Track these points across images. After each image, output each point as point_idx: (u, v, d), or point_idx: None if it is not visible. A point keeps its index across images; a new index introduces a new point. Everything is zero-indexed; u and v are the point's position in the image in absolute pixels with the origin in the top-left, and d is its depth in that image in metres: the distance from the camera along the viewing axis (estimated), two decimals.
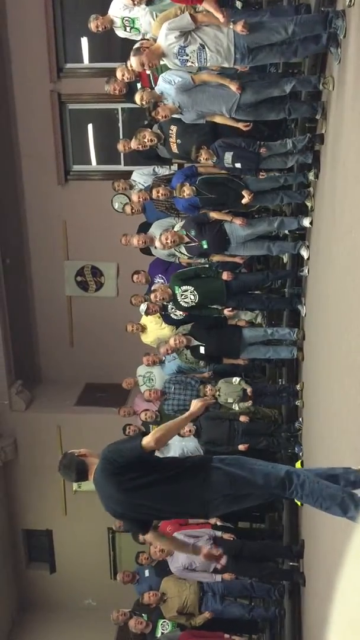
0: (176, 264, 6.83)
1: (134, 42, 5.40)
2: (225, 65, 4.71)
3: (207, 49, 4.56)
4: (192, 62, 4.64)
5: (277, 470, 3.15)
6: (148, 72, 5.98)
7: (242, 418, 6.34)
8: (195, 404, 3.27)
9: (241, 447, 6.23)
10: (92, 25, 5.68)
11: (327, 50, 4.61)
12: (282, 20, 4.53)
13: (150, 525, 3.41)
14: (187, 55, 4.58)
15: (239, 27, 4.44)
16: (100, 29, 5.69)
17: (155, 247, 6.67)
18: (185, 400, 6.72)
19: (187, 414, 3.27)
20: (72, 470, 3.33)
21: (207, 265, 6.50)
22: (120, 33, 5.76)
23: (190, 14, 4.53)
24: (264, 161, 5.54)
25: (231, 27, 4.49)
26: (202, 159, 5.54)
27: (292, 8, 4.86)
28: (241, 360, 6.58)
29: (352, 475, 3.09)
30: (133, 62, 4.74)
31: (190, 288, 6.25)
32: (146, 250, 7.11)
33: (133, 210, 6.67)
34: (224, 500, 3.18)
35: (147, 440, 3.12)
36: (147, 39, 5.27)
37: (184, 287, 6.25)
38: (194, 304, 6.29)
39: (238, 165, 5.51)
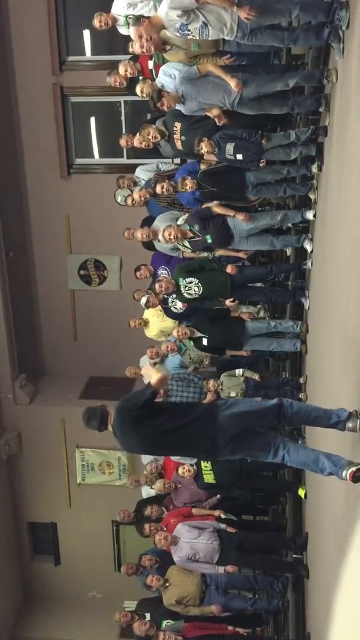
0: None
1: None
2: (227, 38, 4.63)
3: (209, 27, 4.49)
4: (193, 36, 4.57)
5: (269, 402, 3.76)
6: (151, 66, 5.96)
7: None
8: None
9: None
10: (96, 22, 5.67)
11: (327, 44, 4.58)
12: (287, 3, 4.47)
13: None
14: (189, 30, 4.50)
15: (243, 14, 4.37)
16: (103, 26, 5.68)
17: (159, 241, 6.66)
18: (188, 396, 6.72)
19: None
20: (98, 415, 3.86)
21: (211, 258, 6.50)
22: (124, 31, 5.73)
23: None
24: (266, 153, 5.52)
25: (235, 9, 4.43)
26: (203, 150, 5.51)
27: None
28: (244, 352, 6.58)
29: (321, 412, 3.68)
30: (131, 32, 4.62)
31: (195, 280, 6.25)
32: (149, 246, 7.10)
33: (134, 203, 6.66)
34: (232, 442, 3.62)
35: (155, 383, 3.75)
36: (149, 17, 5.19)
37: (188, 279, 6.25)
38: (197, 295, 6.30)
39: (239, 156, 5.49)
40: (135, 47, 4.68)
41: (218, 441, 3.61)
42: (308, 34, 4.59)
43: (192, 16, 4.45)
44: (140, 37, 4.54)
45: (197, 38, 4.58)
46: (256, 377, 6.49)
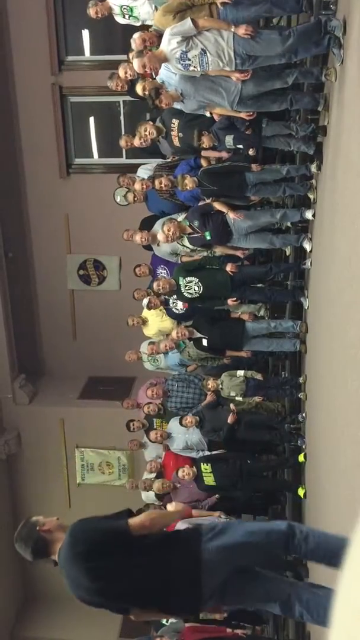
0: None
1: (135, 31, 5.39)
2: (227, 69, 4.71)
3: (208, 54, 4.59)
4: (194, 67, 4.65)
5: (277, 525, 2.80)
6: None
7: (230, 419, 6.27)
8: (178, 510, 3.01)
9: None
10: (92, 11, 5.69)
11: (328, 51, 4.60)
12: (283, 33, 4.56)
13: (130, 609, 2.86)
14: (190, 60, 4.61)
15: (241, 31, 4.45)
16: (99, 15, 5.70)
17: (158, 245, 6.66)
18: (188, 397, 6.72)
19: (178, 514, 3.02)
20: (29, 546, 2.85)
21: (211, 256, 6.50)
22: (120, 20, 5.77)
23: (192, 19, 4.53)
24: (267, 141, 5.53)
25: (233, 29, 4.49)
26: (204, 145, 5.52)
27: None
28: (244, 353, 6.58)
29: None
30: (135, 64, 4.75)
31: (195, 279, 6.25)
32: (149, 246, 7.10)
33: (135, 198, 6.67)
34: (219, 591, 2.74)
35: (136, 522, 2.68)
36: (149, 26, 5.23)
37: (188, 278, 6.25)
38: (197, 295, 6.29)
39: (240, 146, 5.51)
40: (138, 70, 4.78)
41: (203, 590, 2.68)
42: (307, 45, 4.62)
43: (191, 43, 4.56)
44: (144, 67, 4.65)
45: (198, 68, 4.63)
46: (258, 376, 6.48)
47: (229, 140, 5.49)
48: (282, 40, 4.50)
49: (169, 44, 4.57)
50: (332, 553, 2.61)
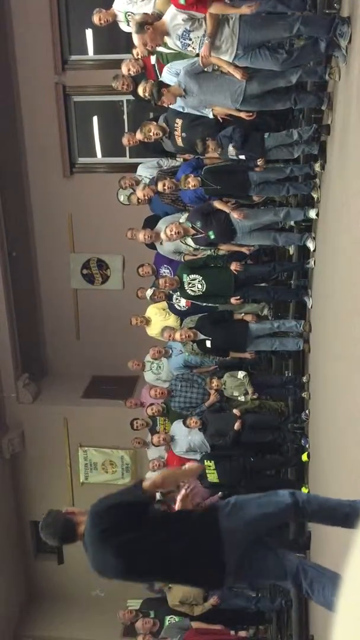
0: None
1: None
2: (226, 58, 4.67)
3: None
4: (193, 48, 4.60)
5: (281, 495, 2.89)
6: (153, 61, 5.96)
7: (237, 425, 6.27)
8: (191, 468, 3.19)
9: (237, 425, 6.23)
10: (96, 18, 5.69)
11: (328, 55, 4.58)
12: (288, 18, 4.51)
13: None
14: (191, 40, 4.54)
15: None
16: (103, 22, 5.70)
17: (161, 244, 6.66)
18: (192, 397, 6.72)
19: (190, 471, 3.41)
20: (58, 529, 2.86)
21: (215, 255, 6.50)
22: (124, 27, 5.75)
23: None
24: (269, 152, 5.52)
25: (235, 21, 4.44)
26: (210, 149, 5.51)
27: None
28: (248, 354, 6.57)
29: (348, 507, 2.85)
30: (135, 40, 4.69)
31: (199, 277, 6.25)
32: (152, 245, 7.10)
33: (139, 200, 6.67)
34: (237, 566, 2.81)
35: (147, 484, 2.77)
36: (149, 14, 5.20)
37: (192, 276, 6.25)
38: (200, 293, 6.30)
39: (242, 157, 5.50)
40: (139, 49, 4.72)
41: (225, 562, 2.76)
42: (305, 53, 4.61)
43: (196, 24, 4.50)
44: (145, 44, 4.59)
45: (197, 50, 4.61)
46: (250, 390, 6.45)
47: (231, 150, 5.50)
48: (290, 25, 4.43)
49: (174, 19, 4.49)
50: (333, 512, 2.83)
